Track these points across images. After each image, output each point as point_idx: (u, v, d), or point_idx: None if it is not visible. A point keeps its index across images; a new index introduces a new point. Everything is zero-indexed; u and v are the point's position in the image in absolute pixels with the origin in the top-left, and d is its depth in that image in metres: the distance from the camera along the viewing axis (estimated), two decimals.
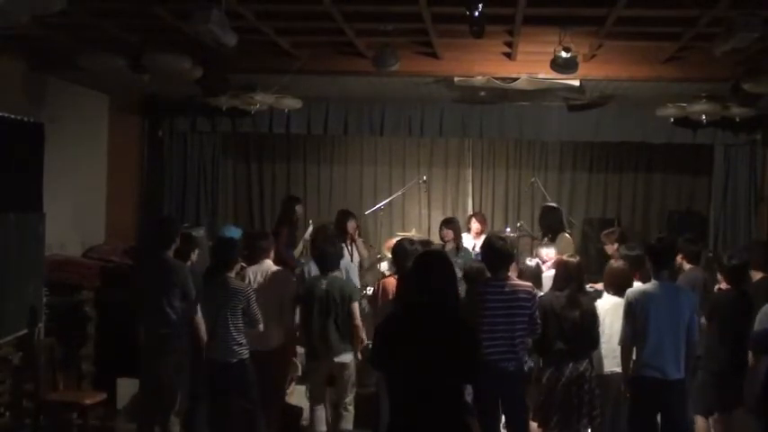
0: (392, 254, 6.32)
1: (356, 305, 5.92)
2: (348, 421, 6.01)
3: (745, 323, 5.53)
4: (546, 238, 8.30)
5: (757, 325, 5.34)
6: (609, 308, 5.68)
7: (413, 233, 8.67)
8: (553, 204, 8.96)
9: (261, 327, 5.95)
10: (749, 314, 5.53)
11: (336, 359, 5.89)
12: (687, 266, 6.30)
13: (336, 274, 6.10)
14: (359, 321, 5.92)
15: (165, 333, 5.74)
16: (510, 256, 5.51)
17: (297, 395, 7.01)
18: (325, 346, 5.89)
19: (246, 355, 5.82)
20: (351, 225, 7.94)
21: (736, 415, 5.63)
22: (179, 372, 5.82)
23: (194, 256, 6.23)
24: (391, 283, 6.03)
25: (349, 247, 7.68)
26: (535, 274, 6.48)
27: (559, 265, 5.78)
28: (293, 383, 7.13)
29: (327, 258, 6.04)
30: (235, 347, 5.75)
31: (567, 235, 8.47)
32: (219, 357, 5.75)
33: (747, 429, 5.55)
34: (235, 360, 5.76)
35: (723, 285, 5.89)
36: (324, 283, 5.92)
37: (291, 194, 9.47)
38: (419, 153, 10.34)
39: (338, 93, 8.30)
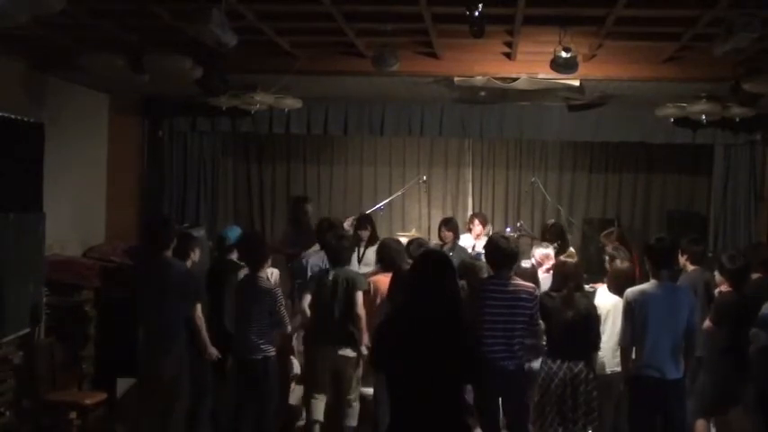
0: (378, 253, 6.40)
1: (360, 294, 5.93)
2: (353, 417, 6.04)
3: (745, 325, 5.53)
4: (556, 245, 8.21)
5: (765, 309, 5.37)
6: (611, 308, 5.68)
7: (413, 233, 8.67)
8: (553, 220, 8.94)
9: (288, 328, 6.07)
10: (748, 316, 5.53)
11: (340, 352, 5.92)
12: (690, 267, 6.25)
13: (346, 267, 6.19)
14: (361, 311, 5.91)
15: (164, 332, 5.75)
16: (514, 256, 5.52)
17: (296, 395, 7.00)
18: (329, 333, 5.93)
19: (272, 353, 5.87)
20: (365, 234, 8.01)
21: (734, 415, 5.64)
22: (178, 371, 5.81)
23: (195, 255, 6.23)
24: (383, 281, 6.06)
25: (361, 250, 7.75)
26: (531, 275, 6.48)
27: (557, 266, 5.78)
28: (293, 383, 7.12)
29: (340, 255, 6.11)
30: (260, 344, 5.78)
31: (571, 248, 8.41)
32: (244, 356, 5.80)
33: (746, 429, 5.56)
34: (259, 357, 5.79)
35: (724, 288, 5.85)
36: (331, 274, 6.01)
37: (300, 195, 9.48)
38: (419, 153, 10.34)
39: (338, 93, 8.29)
